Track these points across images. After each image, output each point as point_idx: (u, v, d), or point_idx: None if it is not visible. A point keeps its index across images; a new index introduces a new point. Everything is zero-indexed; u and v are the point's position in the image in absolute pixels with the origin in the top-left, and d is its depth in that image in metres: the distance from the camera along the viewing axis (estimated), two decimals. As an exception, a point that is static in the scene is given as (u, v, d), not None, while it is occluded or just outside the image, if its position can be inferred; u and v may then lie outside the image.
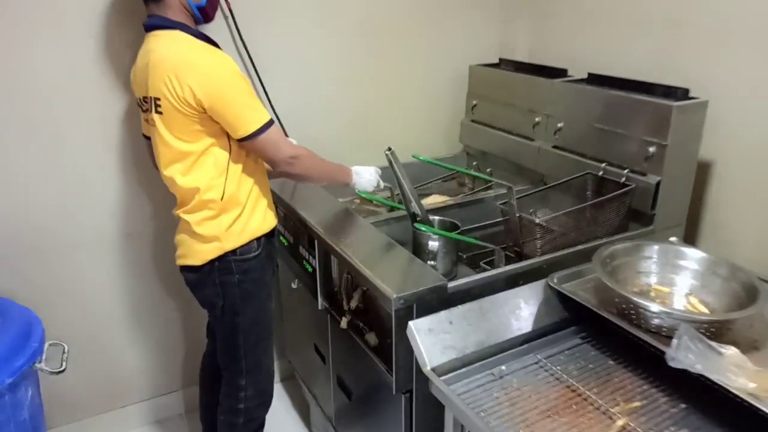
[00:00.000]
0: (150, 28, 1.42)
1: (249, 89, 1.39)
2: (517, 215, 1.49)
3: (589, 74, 1.82)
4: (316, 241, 1.60)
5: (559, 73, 1.90)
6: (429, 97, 2.24)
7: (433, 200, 1.89)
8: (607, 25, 1.91)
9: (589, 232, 1.56)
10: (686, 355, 0.99)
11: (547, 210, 1.71)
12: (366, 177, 1.66)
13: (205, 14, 1.48)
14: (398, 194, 1.69)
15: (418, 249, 1.50)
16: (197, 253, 1.50)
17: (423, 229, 1.44)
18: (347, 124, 2.11)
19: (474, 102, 2.17)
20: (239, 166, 1.47)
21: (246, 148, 1.45)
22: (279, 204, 1.77)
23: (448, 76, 2.24)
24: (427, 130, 2.28)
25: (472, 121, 2.20)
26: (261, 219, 1.54)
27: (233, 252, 1.49)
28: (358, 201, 1.83)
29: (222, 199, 1.44)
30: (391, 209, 1.74)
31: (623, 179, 1.60)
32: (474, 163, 2.22)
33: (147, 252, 1.98)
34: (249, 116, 1.37)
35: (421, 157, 1.57)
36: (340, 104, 2.07)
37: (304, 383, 2.07)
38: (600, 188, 1.68)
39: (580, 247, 1.49)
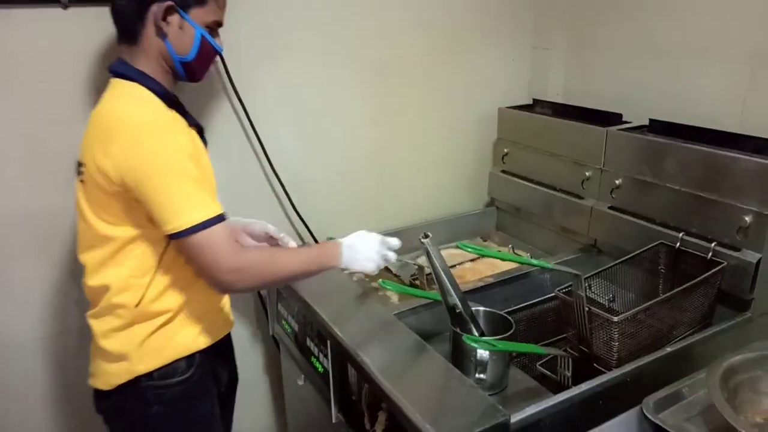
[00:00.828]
0: (112, 73, 1.11)
1: (195, 174, 1.03)
2: (587, 308, 1.17)
3: (652, 121, 1.52)
4: (328, 341, 1.28)
5: (612, 118, 1.59)
6: (452, 145, 1.93)
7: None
8: (670, 56, 1.60)
9: (671, 320, 1.25)
10: None
11: (614, 288, 1.40)
12: (365, 253, 1.20)
13: (191, 72, 1.15)
14: (429, 273, 1.38)
15: (459, 355, 1.18)
16: (103, 375, 1.13)
17: (475, 344, 1.09)
18: (358, 176, 1.79)
19: (505, 150, 1.86)
20: (177, 267, 1.11)
21: (177, 247, 1.07)
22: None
23: (473, 119, 1.93)
24: (450, 182, 1.97)
25: (503, 171, 1.89)
26: (196, 331, 1.16)
27: (148, 375, 1.11)
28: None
29: (137, 305, 1.09)
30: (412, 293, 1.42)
31: (710, 254, 1.29)
32: (510, 246, 1.90)
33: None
34: (181, 207, 1.00)
35: (468, 248, 1.22)
36: (350, 154, 1.75)
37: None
38: (676, 263, 1.37)
39: (669, 349, 1.17)
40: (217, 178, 1.17)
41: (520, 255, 1.76)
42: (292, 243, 1.35)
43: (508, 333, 1.16)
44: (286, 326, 1.54)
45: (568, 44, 1.88)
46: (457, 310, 1.18)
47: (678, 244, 1.35)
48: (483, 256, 1.34)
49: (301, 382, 1.53)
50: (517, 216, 1.88)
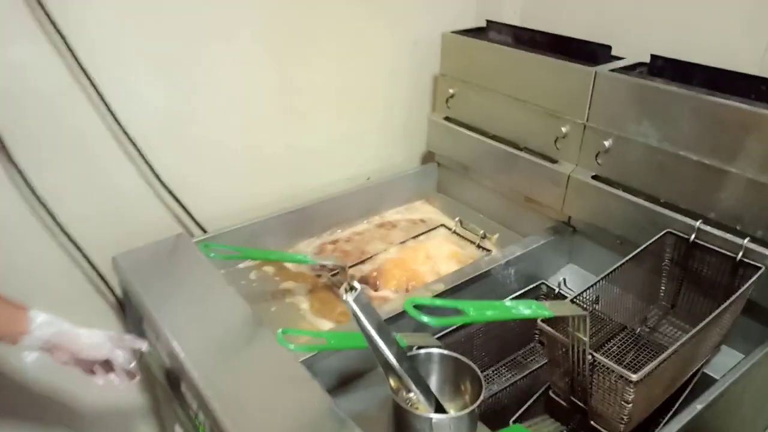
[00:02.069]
0: None
1: None
2: (591, 358, 0.79)
3: (654, 58, 1.11)
4: (197, 402, 0.85)
5: (598, 52, 1.17)
6: (380, 83, 1.45)
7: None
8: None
9: (693, 352, 0.90)
10: None
11: (599, 285, 1.03)
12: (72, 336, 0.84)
13: None
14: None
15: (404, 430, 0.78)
16: None
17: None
18: (259, 132, 1.30)
19: (450, 91, 1.41)
20: None
21: None
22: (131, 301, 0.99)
23: (406, 47, 1.45)
24: (379, 131, 1.51)
25: (447, 119, 1.45)
26: None
27: None
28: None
29: None
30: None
31: (740, 254, 0.93)
32: (458, 219, 1.48)
33: None
34: None
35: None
36: (246, 104, 1.25)
37: None
38: (687, 260, 1.01)
39: (699, 407, 0.82)
40: None
41: (469, 231, 1.36)
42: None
43: (476, 403, 0.77)
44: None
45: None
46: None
47: (693, 236, 0.98)
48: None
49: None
50: (465, 176, 1.47)
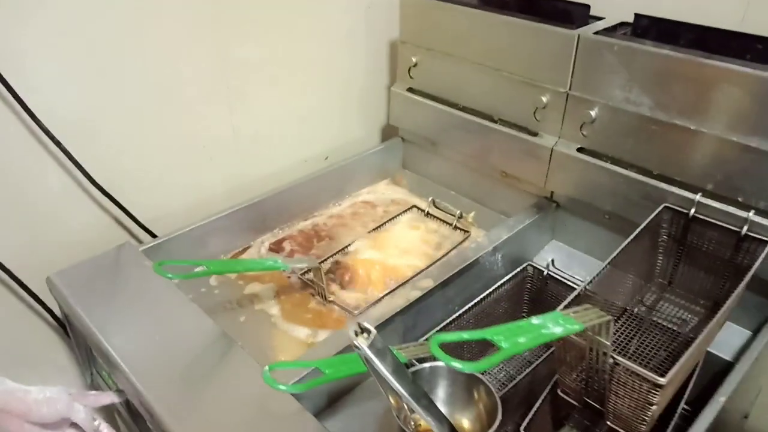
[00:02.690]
0: None
1: None
2: (612, 360, 0.72)
3: (639, 17, 1.03)
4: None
5: (575, 12, 1.08)
6: (333, 50, 1.31)
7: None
8: None
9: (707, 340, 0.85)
10: None
11: (605, 285, 0.97)
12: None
13: None
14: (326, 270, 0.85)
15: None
16: None
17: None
18: (195, 115, 1.14)
19: (413, 60, 1.29)
20: None
21: None
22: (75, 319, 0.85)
23: (359, 14, 1.32)
24: (330, 107, 1.38)
25: (411, 90, 1.34)
26: None
27: None
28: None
29: None
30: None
31: (745, 228, 0.88)
32: (431, 199, 1.38)
33: None
34: None
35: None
36: (177, 81, 1.09)
37: None
38: (685, 236, 0.96)
39: (722, 399, 0.77)
40: None
41: (443, 211, 1.27)
42: None
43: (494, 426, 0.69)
44: (107, 381, 0.96)
45: None
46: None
47: (693, 210, 0.93)
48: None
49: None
50: (433, 151, 1.36)
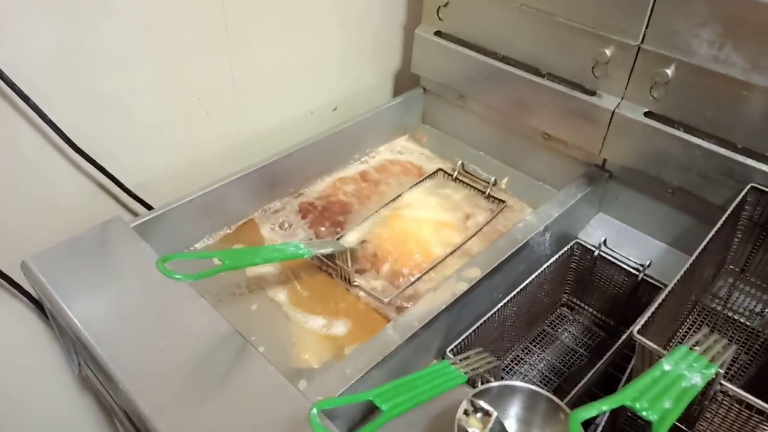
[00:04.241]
0: None
1: None
2: (720, 387, 0.60)
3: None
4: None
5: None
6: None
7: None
8: None
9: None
10: None
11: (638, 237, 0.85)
12: None
13: None
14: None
15: None
16: None
17: None
18: (193, 67, 0.95)
19: (444, -2, 1.10)
20: None
21: None
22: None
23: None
24: (340, 51, 1.19)
25: (438, 34, 1.15)
26: None
27: None
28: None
29: None
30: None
31: None
32: (460, 162, 1.22)
33: None
34: None
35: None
36: (169, 29, 0.89)
37: None
38: (772, 220, 0.84)
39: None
40: None
41: (471, 175, 1.12)
42: None
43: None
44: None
45: None
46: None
47: (788, 192, 0.80)
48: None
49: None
50: (460, 105, 1.20)
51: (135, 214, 0.99)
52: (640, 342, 0.63)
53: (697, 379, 0.46)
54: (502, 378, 0.93)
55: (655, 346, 0.61)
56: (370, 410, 0.74)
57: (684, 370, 0.47)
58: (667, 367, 0.47)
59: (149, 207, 0.96)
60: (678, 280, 0.70)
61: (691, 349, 0.50)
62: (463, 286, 0.79)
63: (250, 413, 0.62)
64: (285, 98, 1.13)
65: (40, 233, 0.84)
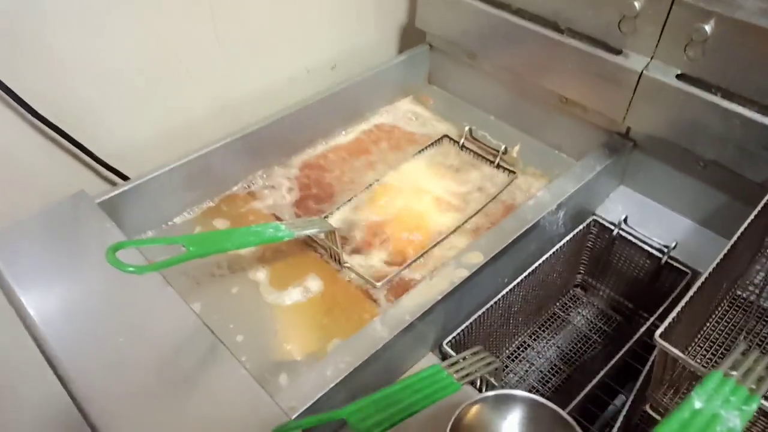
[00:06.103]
0: None
1: None
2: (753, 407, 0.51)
3: None
4: None
5: None
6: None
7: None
8: None
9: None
10: None
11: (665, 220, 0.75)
12: None
13: None
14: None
15: None
16: None
17: None
18: (149, 28, 0.85)
19: (452, -58, 0.98)
20: None
21: None
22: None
23: None
24: (339, 3, 1.08)
25: (446, -17, 1.03)
26: None
27: None
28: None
29: None
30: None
31: None
32: (468, 128, 1.11)
33: None
34: None
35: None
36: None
37: None
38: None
39: None
40: None
41: (480, 142, 1.02)
42: None
43: None
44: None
45: None
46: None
47: (841, 171, 0.69)
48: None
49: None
50: (470, 64, 1.08)
51: (111, 182, 0.91)
52: (663, 348, 0.55)
53: (735, 422, 0.38)
54: (503, 381, 0.85)
55: (683, 356, 0.52)
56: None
57: (719, 408, 0.38)
58: (698, 405, 0.38)
59: (126, 178, 0.88)
60: (710, 273, 0.61)
61: (725, 375, 0.41)
62: (463, 273, 0.71)
63: (215, 424, 0.55)
64: (277, 55, 1.03)
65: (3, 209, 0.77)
